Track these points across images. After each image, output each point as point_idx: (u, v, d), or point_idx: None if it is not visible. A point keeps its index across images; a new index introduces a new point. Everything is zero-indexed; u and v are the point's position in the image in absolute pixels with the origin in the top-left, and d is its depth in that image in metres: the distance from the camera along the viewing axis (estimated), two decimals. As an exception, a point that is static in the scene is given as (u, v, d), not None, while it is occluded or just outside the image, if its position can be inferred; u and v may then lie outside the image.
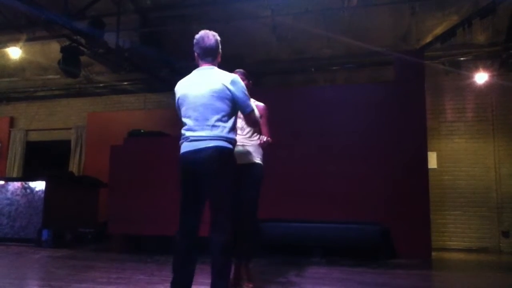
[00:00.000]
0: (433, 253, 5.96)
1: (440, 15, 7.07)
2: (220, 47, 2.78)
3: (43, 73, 9.74)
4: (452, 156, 7.64)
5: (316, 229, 5.72)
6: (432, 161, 7.33)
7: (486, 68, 7.50)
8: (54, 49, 8.02)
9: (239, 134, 3.28)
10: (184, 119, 2.65)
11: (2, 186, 6.97)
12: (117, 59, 7.57)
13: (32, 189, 6.81)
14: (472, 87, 7.63)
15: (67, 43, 7.20)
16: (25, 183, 6.89)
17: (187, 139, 2.58)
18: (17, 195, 6.84)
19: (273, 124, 6.33)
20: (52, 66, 8.67)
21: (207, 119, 2.55)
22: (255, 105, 3.46)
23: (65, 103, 10.11)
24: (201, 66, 2.74)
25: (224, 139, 2.56)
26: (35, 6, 6.18)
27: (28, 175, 8.29)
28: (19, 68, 9.65)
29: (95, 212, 7.89)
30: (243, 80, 2.96)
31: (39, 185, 6.80)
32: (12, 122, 10.41)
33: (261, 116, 3.47)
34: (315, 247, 5.69)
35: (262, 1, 6.77)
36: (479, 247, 7.24)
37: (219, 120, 2.56)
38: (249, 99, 2.75)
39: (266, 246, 5.91)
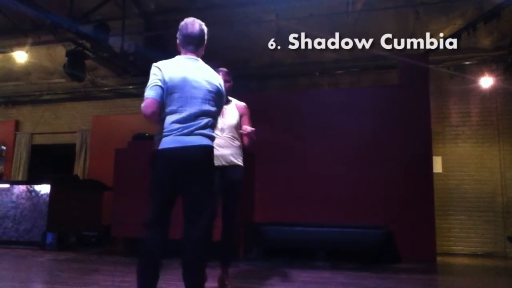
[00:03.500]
0: (438, 258, 5.93)
1: (444, 19, 7.06)
2: (205, 38, 2.58)
3: (49, 77, 9.81)
4: (457, 160, 7.60)
5: (320, 232, 5.70)
6: (437, 165, 7.30)
7: (491, 72, 7.47)
8: (59, 53, 8.09)
9: (219, 136, 3.22)
10: (172, 107, 2.38)
11: (7, 189, 6.99)
12: (122, 63, 7.62)
13: (37, 193, 6.83)
14: (477, 91, 7.59)
15: (73, 47, 7.26)
16: (30, 187, 6.91)
17: (177, 132, 2.36)
18: (22, 198, 6.86)
19: (277, 127, 6.39)
20: (58, 70, 8.74)
21: (202, 115, 2.39)
22: (236, 104, 3.47)
23: (70, 107, 10.15)
24: (183, 54, 2.54)
25: (211, 138, 2.46)
26: (41, 10, 6.23)
27: (33, 179, 8.29)
28: (25, 72, 9.72)
29: (99, 215, 7.89)
30: (225, 82, 3.05)
31: (44, 189, 6.82)
32: (17, 126, 10.45)
33: (241, 115, 3.44)
34: (318, 251, 5.67)
35: (267, 6, 6.80)
36: (484, 252, 7.19)
37: (210, 118, 2.44)
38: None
39: (269, 250, 5.90)
